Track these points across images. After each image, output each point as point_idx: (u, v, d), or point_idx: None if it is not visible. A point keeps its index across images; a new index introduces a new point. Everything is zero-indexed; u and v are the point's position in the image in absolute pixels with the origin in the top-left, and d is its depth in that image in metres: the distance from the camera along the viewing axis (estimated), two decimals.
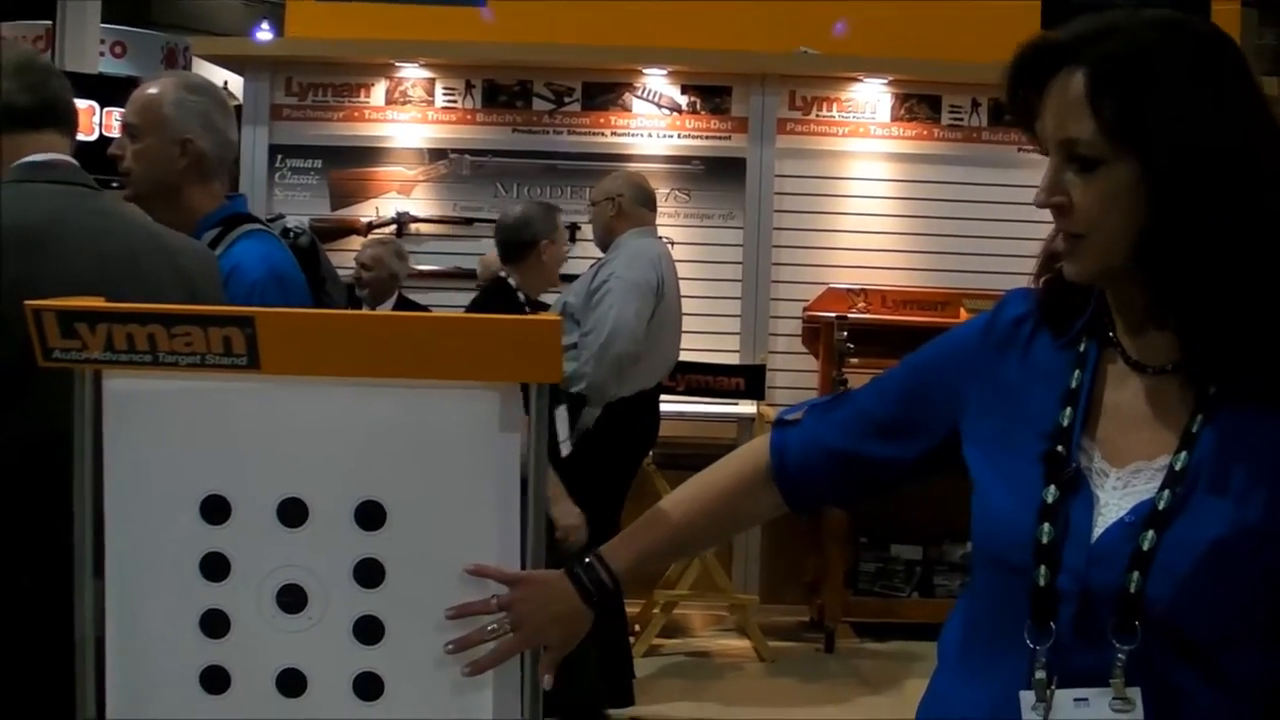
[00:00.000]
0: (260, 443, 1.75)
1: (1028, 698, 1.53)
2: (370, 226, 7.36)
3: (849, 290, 7.22)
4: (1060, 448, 1.58)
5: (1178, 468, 1.52)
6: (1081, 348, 1.64)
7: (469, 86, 7.45)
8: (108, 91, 10.21)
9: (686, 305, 6.93)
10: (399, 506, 1.74)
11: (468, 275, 7.11)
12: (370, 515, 1.74)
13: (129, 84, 13.96)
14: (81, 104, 9.54)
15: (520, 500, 1.77)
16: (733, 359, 7.26)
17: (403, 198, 7.44)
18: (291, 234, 3.41)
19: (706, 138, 7.42)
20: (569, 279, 6.34)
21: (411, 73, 7.42)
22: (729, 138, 7.41)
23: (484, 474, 1.74)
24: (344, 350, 1.70)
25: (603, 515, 5.82)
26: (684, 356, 6.90)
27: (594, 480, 5.62)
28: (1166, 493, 1.51)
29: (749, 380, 7.05)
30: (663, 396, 6.46)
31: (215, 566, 1.75)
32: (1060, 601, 1.52)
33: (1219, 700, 1.50)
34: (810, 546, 6.93)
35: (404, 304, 6.85)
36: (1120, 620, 1.49)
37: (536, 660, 1.79)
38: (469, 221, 7.41)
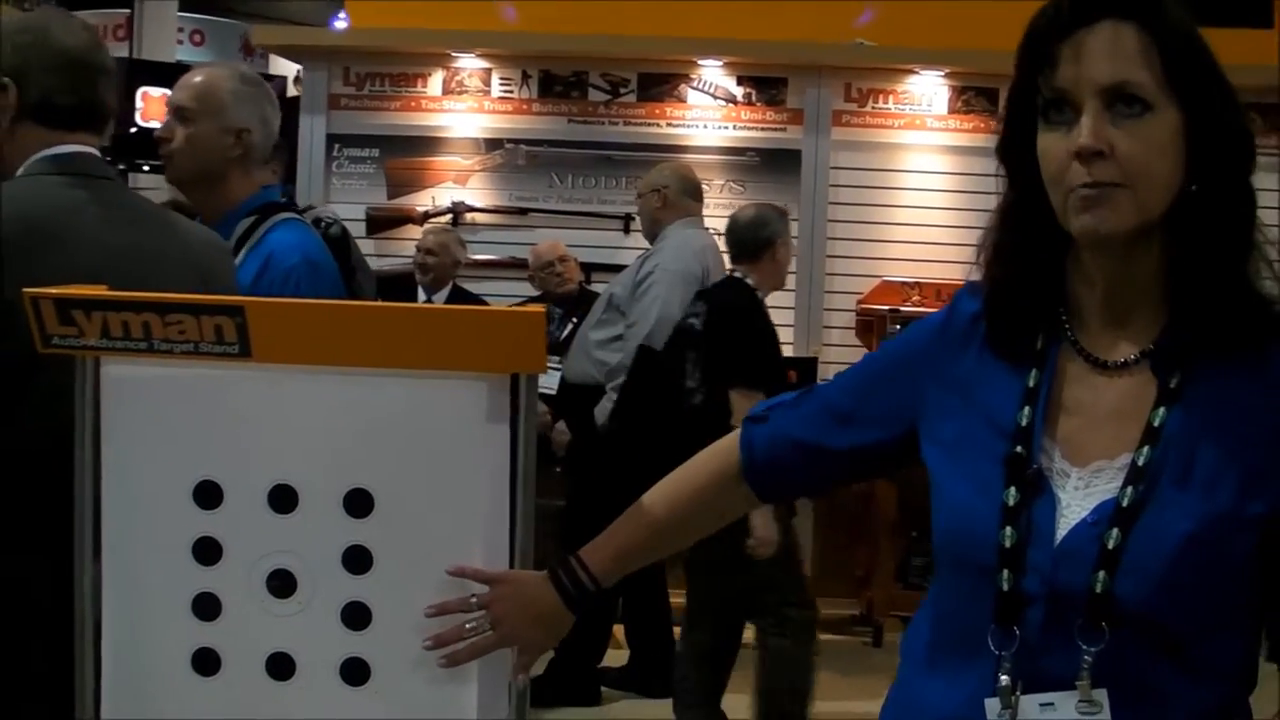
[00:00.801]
0: (252, 430, 1.77)
1: (993, 705, 1.51)
2: (426, 216, 7.40)
3: (903, 283, 7.18)
4: (1020, 449, 1.55)
5: (1140, 463, 1.50)
6: (1039, 344, 1.60)
7: (525, 77, 7.47)
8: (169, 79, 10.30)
9: None
10: (387, 495, 1.77)
11: (521, 265, 7.13)
12: (359, 503, 1.76)
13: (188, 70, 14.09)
14: (155, 92, 9.69)
15: (510, 490, 1.78)
16: (786, 351, 7.24)
17: (458, 187, 7.48)
18: (323, 223, 3.46)
19: (762, 129, 7.41)
20: (617, 270, 6.37)
21: (468, 63, 7.46)
22: (784, 129, 7.39)
23: (471, 464, 1.76)
24: (332, 340, 1.72)
25: None
26: None
27: (636, 470, 5.63)
28: (1130, 489, 1.49)
29: (801, 373, 7.03)
30: None
31: (207, 550, 1.78)
32: (1028, 605, 1.50)
33: (1190, 690, 1.48)
34: (860, 540, 6.92)
35: (458, 293, 6.88)
36: (1087, 621, 1.47)
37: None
38: (524, 211, 7.44)
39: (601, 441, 5.60)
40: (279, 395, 1.76)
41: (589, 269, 7.03)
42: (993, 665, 1.52)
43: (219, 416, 1.78)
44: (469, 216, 7.45)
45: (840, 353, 7.29)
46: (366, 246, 7.39)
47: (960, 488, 1.60)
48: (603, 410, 5.54)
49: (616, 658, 6.00)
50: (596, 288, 6.58)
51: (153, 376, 1.78)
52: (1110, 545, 1.47)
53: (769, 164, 7.37)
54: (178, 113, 3.25)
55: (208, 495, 1.78)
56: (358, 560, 1.77)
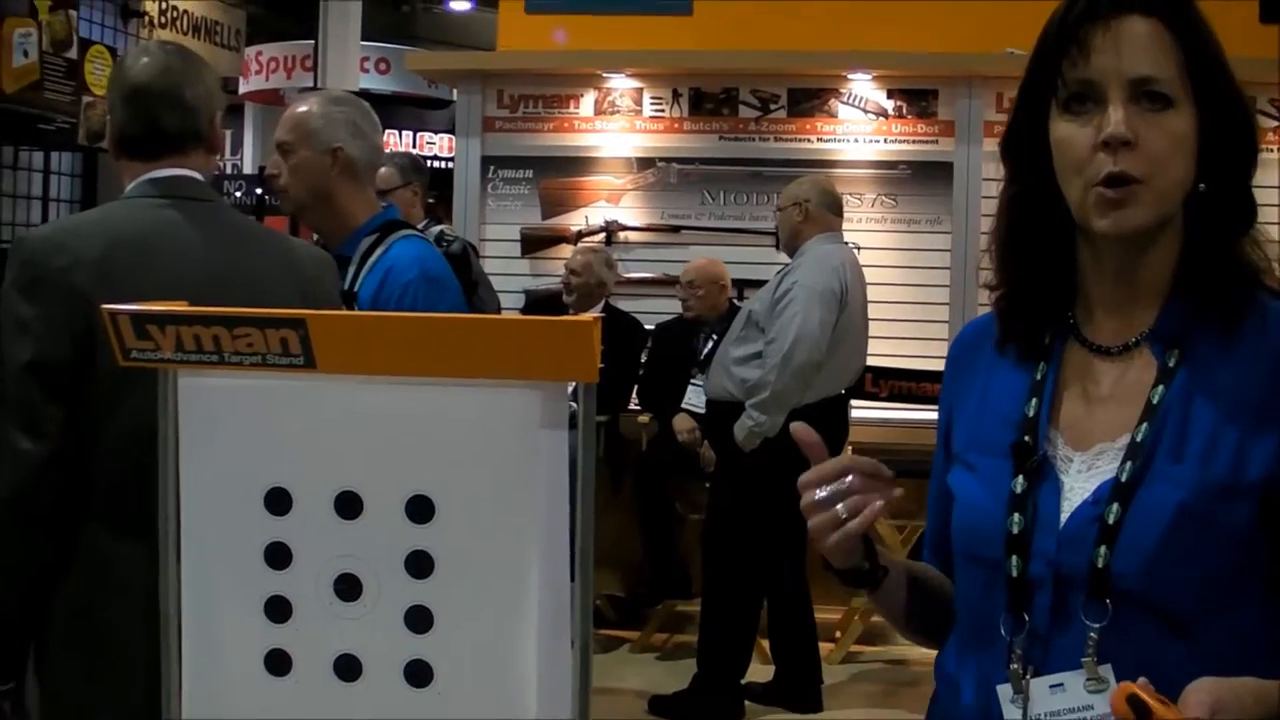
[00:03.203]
0: (318, 438, 1.83)
1: (1005, 691, 1.53)
2: (580, 235, 7.50)
3: None
4: (1027, 438, 1.58)
5: (1138, 439, 1.52)
6: (1046, 340, 1.64)
7: (676, 95, 7.54)
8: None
9: (892, 311, 6.88)
10: (447, 501, 1.80)
11: (675, 283, 7.19)
12: (420, 509, 1.81)
13: (392, 100, 14.34)
14: None
15: (570, 497, 1.81)
16: (940, 365, 7.16)
17: (611, 206, 7.57)
18: (445, 241, 3.54)
19: (913, 142, 7.38)
20: (756, 285, 6.37)
21: (619, 83, 7.55)
22: (935, 141, 7.36)
23: (528, 470, 1.79)
24: (391, 350, 1.77)
25: (796, 520, 5.82)
26: (888, 363, 6.87)
27: (779, 486, 5.62)
28: (1128, 465, 1.51)
29: None
30: (864, 403, 6.44)
31: (278, 555, 1.84)
32: (1035, 590, 1.53)
33: (1197, 672, 1.45)
34: None
35: (610, 311, 6.95)
36: (1089, 597, 1.48)
37: (586, 650, 1.83)
38: (676, 229, 7.50)
39: (741, 458, 5.61)
40: (343, 405, 1.82)
41: (741, 285, 7.05)
42: (1005, 653, 1.54)
43: (287, 426, 1.84)
44: (622, 235, 7.54)
45: None
46: (521, 266, 7.52)
47: (972, 484, 1.64)
48: (741, 427, 5.55)
49: (762, 673, 5.99)
50: None
51: (225, 388, 1.84)
52: (1110, 520, 1.49)
53: (920, 176, 7.33)
54: (279, 149, 3.38)
55: (278, 501, 1.83)
56: (419, 565, 1.81)
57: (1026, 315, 1.65)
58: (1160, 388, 1.53)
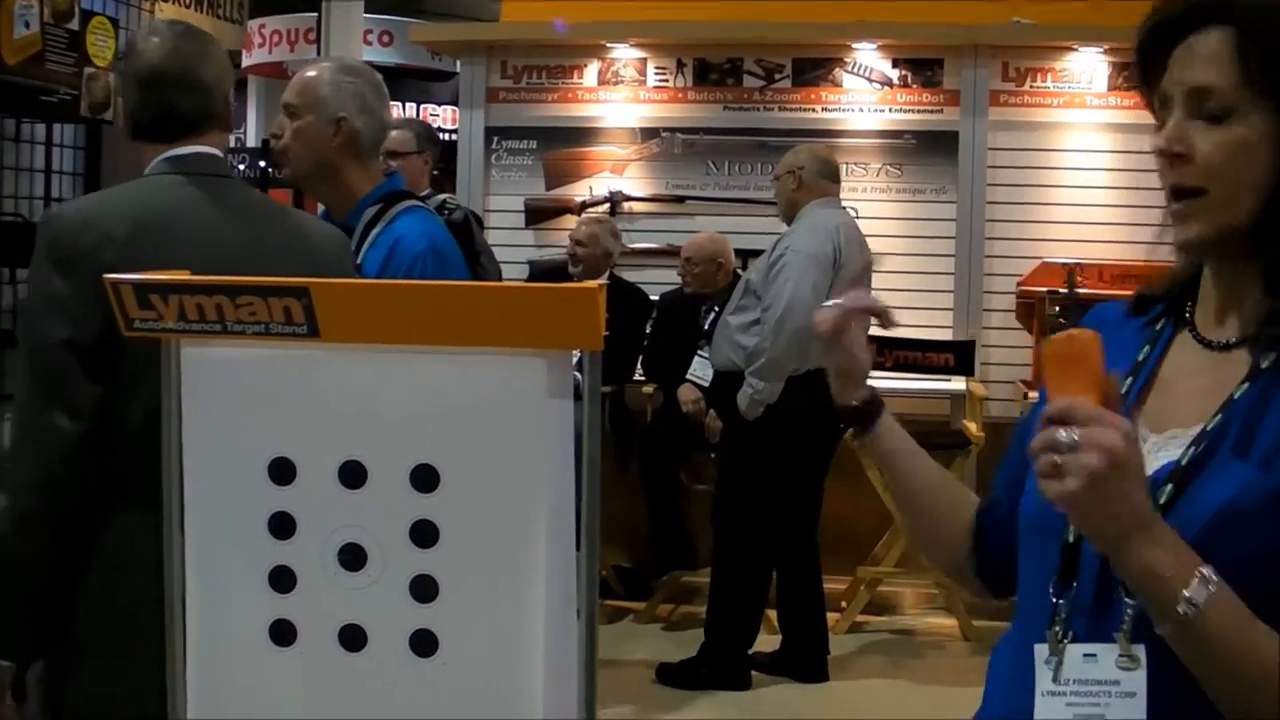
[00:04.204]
0: (322, 408, 1.82)
1: (1041, 651, 1.52)
2: (584, 205, 7.48)
3: (1064, 264, 7.04)
4: None
5: (1208, 428, 1.51)
6: (1159, 326, 1.66)
7: (680, 65, 7.51)
8: None
9: (897, 281, 6.86)
10: (451, 470, 1.80)
11: (679, 253, 7.17)
12: (425, 478, 1.80)
13: (396, 73, 14.31)
14: None
15: (575, 466, 1.80)
16: (946, 335, 7.17)
17: (616, 176, 7.54)
18: (446, 210, 3.52)
19: (918, 112, 7.35)
20: (755, 254, 6.37)
21: (623, 53, 7.52)
22: (941, 111, 7.32)
23: (533, 439, 1.78)
24: (395, 319, 1.76)
25: (805, 490, 5.82)
26: (894, 332, 6.85)
27: (787, 456, 5.63)
28: (1191, 450, 1.50)
29: (959, 356, 6.95)
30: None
31: (282, 525, 1.83)
32: (1085, 560, 1.53)
33: None
34: None
35: (615, 282, 6.94)
36: None
37: (592, 621, 1.82)
38: (680, 199, 7.48)
39: (747, 429, 5.60)
40: (347, 374, 1.81)
41: (745, 255, 7.03)
42: (1049, 616, 1.54)
43: (292, 395, 1.83)
44: (626, 206, 7.52)
45: (1000, 335, 7.20)
46: (526, 237, 7.51)
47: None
48: (743, 397, 5.54)
49: (769, 644, 5.99)
50: None
51: (229, 358, 1.83)
52: (1162, 501, 1.47)
53: (926, 146, 7.30)
54: (286, 110, 3.35)
55: (282, 471, 1.83)
56: (424, 534, 1.80)
57: (1154, 301, 1.68)
58: (1246, 385, 1.52)
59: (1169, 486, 1.49)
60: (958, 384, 7.00)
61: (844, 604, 6.72)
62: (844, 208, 5.97)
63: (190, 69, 2.62)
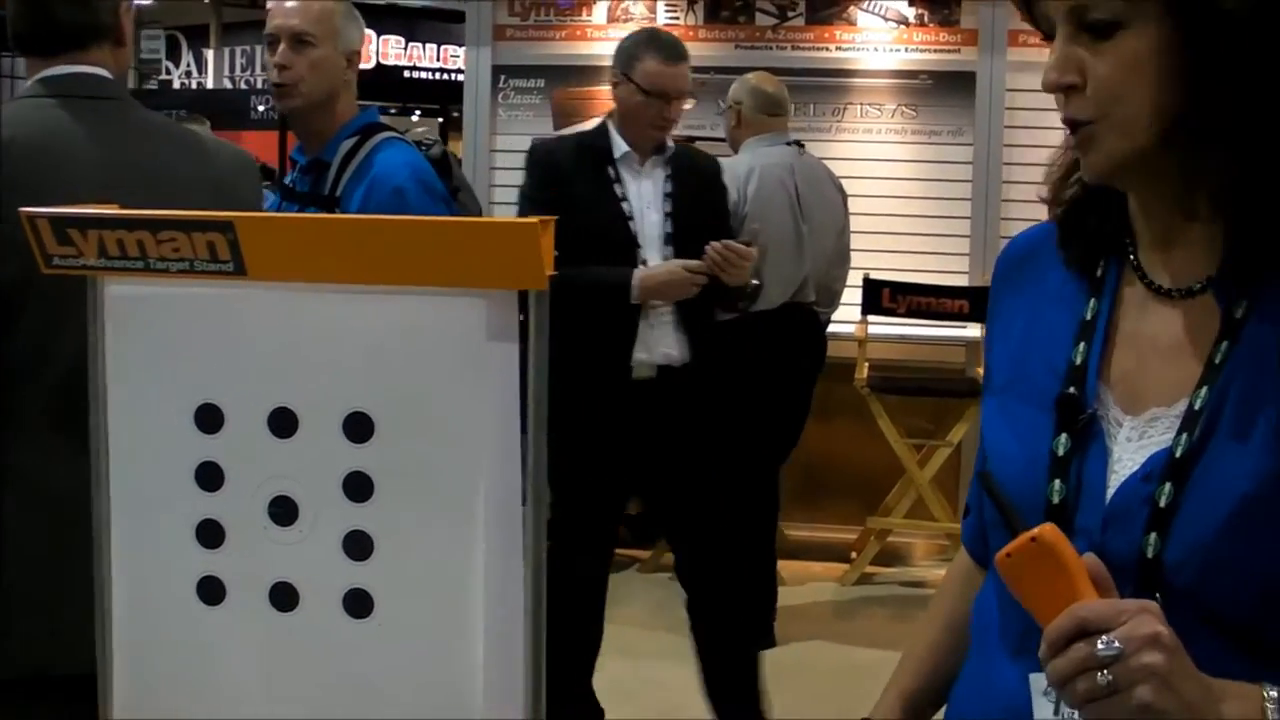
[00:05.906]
0: (250, 351, 1.71)
1: (1038, 681, 1.33)
2: None
3: None
4: (1073, 390, 1.40)
5: (1197, 406, 1.32)
6: (1099, 272, 1.45)
7: (691, 2, 7.36)
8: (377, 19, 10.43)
9: (912, 225, 6.71)
10: (387, 418, 1.69)
11: None
12: (358, 427, 1.69)
13: (419, 14, 14.15)
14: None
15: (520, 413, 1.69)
16: (961, 280, 7.02)
17: None
18: (424, 144, 3.43)
19: (934, 51, 7.17)
20: None
21: None
22: (958, 51, 7.15)
23: (474, 385, 1.67)
24: (326, 255, 1.65)
25: (779, 441, 5.64)
26: (907, 277, 6.72)
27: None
28: (1184, 437, 1.32)
29: (973, 303, 6.79)
30: (882, 319, 6.31)
31: (210, 476, 1.73)
32: None
33: (1252, 674, 1.28)
34: None
35: None
36: (1138, 591, 1.29)
37: (539, 572, 1.69)
38: (691, 140, 7.31)
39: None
40: (276, 315, 1.70)
41: None
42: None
43: (219, 337, 1.72)
44: None
45: None
46: None
47: (1007, 436, 1.46)
48: None
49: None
50: None
51: (153, 296, 1.73)
52: (1162, 503, 1.31)
53: (942, 87, 7.14)
54: (296, 39, 3.23)
55: (209, 419, 1.72)
56: (359, 487, 1.70)
57: (1083, 239, 1.46)
58: (1224, 344, 1.34)
59: (1167, 485, 1.31)
60: (973, 330, 6.84)
61: (854, 554, 6.63)
62: (789, 143, 5.74)
63: None
